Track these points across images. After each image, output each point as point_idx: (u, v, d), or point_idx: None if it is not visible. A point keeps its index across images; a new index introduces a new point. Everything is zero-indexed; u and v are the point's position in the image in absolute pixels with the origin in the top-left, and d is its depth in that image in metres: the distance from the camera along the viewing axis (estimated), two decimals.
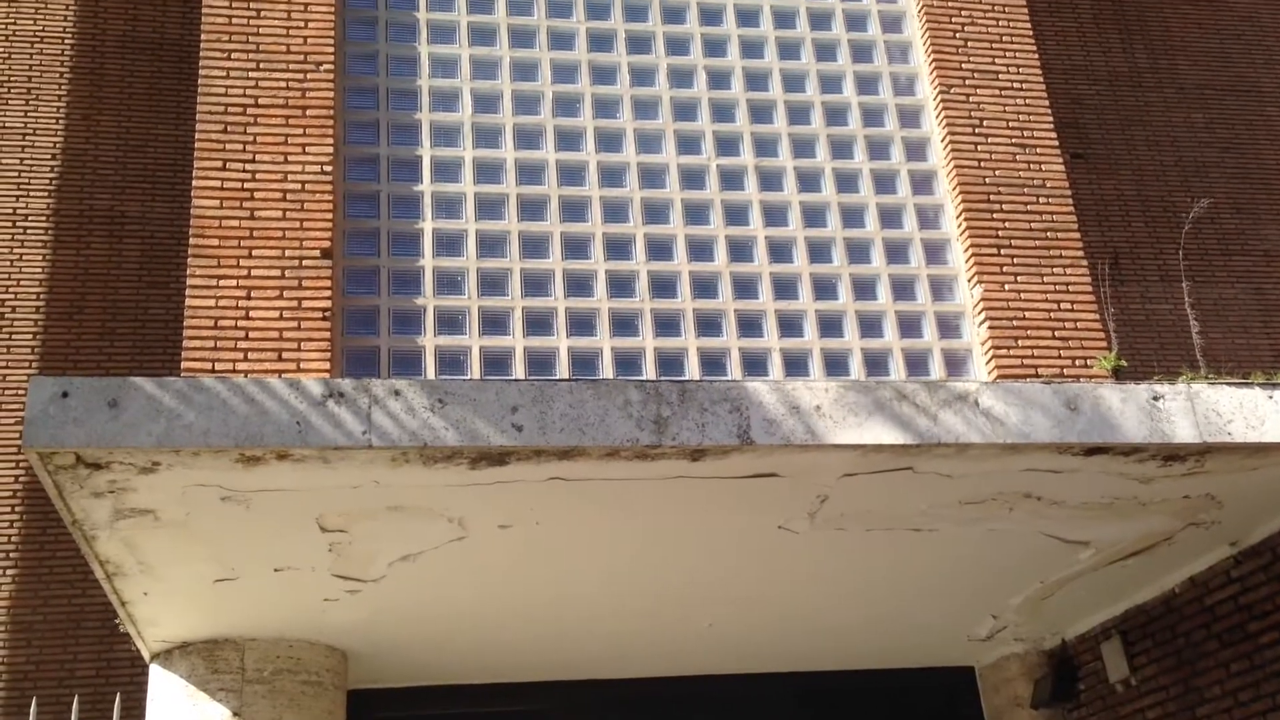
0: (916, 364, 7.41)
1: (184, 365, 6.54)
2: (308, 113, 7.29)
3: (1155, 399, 5.11)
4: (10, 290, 9.14)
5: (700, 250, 7.54)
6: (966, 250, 7.60)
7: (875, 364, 7.38)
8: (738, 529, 5.83)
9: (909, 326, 7.51)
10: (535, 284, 7.29)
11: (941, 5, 8.22)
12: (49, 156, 9.54)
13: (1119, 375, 6.81)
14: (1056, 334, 7.25)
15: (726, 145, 7.88)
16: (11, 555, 8.76)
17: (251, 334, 6.74)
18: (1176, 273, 10.73)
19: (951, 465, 5.20)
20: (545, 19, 8.02)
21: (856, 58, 8.26)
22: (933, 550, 6.20)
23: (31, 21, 9.77)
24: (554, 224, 7.45)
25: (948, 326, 7.53)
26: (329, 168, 7.18)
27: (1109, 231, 10.94)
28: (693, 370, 7.16)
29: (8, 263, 9.20)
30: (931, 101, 8.10)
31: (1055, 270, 7.46)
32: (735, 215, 7.68)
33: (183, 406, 4.57)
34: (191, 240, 6.83)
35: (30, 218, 9.34)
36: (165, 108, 9.92)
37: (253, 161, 7.11)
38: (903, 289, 7.61)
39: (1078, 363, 7.16)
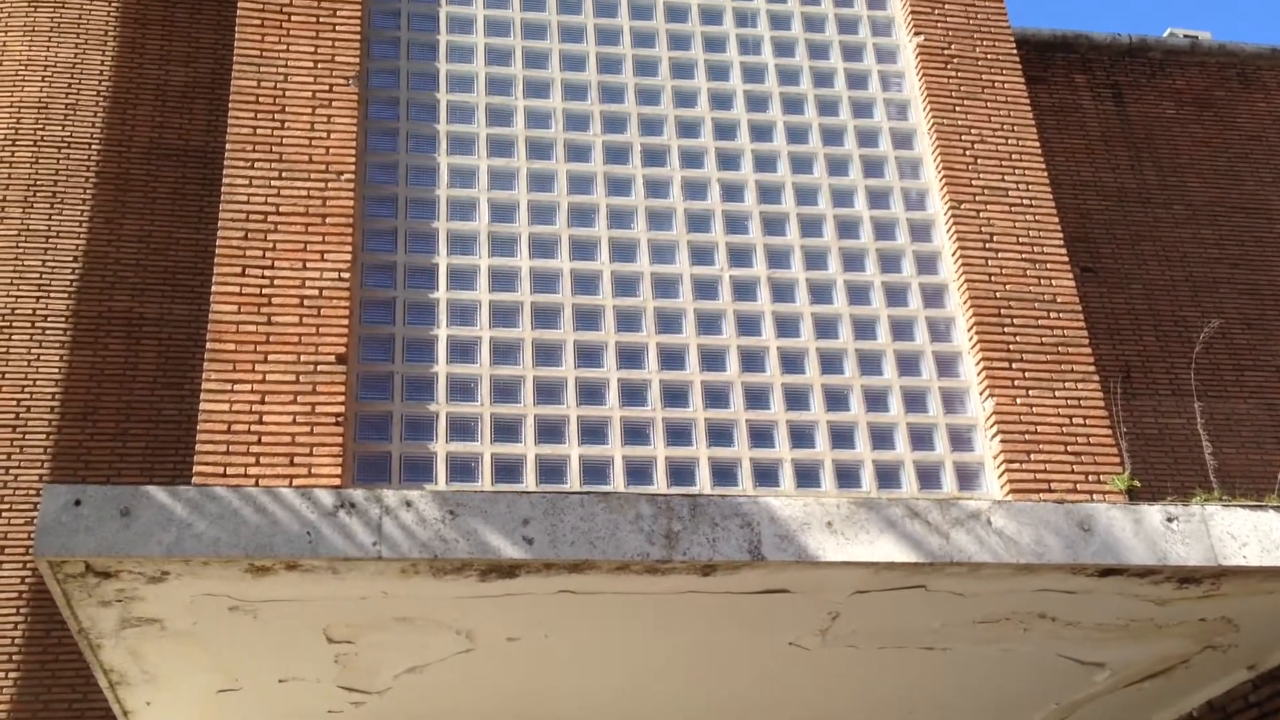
0: (928, 477, 7.38)
1: (196, 470, 6.55)
2: (327, 220, 7.41)
3: (1169, 520, 5.09)
4: (26, 390, 9.21)
5: (712, 360, 7.58)
6: (978, 363, 7.63)
7: (887, 476, 7.36)
8: (748, 645, 5.76)
9: (921, 439, 7.50)
10: (548, 391, 7.32)
11: (951, 123, 8.38)
12: (71, 259, 9.69)
13: (1133, 495, 6.77)
14: (1069, 449, 7.23)
15: (739, 256, 7.96)
16: (14, 658, 8.68)
17: (264, 439, 6.76)
18: (1189, 387, 10.74)
19: (964, 584, 5.16)
20: (562, 132, 8.18)
21: (868, 173, 8.39)
22: (946, 669, 6.11)
23: (60, 127, 10.01)
24: (567, 332, 7.51)
25: (959, 439, 7.51)
26: (347, 274, 7.27)
27: (1120, 345, 10.99)
28: (704, 480, 7.14)
29: (25, 363, 9.29)
30: (942, 216, 8.20)
31: (1067, 385, 7.47)
32: (747, 326, 7.73)
33: (194, 516, 4.58)
34: (209, 345, 6.89)
35: (49, 319, 9.46)
36: (187, 212, 10.10)
37: (272, 268, 7.21)
38: (914, 401, 7.62)
39: (1091, 478, 7.12)
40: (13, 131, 9.98)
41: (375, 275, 7.54)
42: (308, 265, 7.26)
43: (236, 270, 7.16)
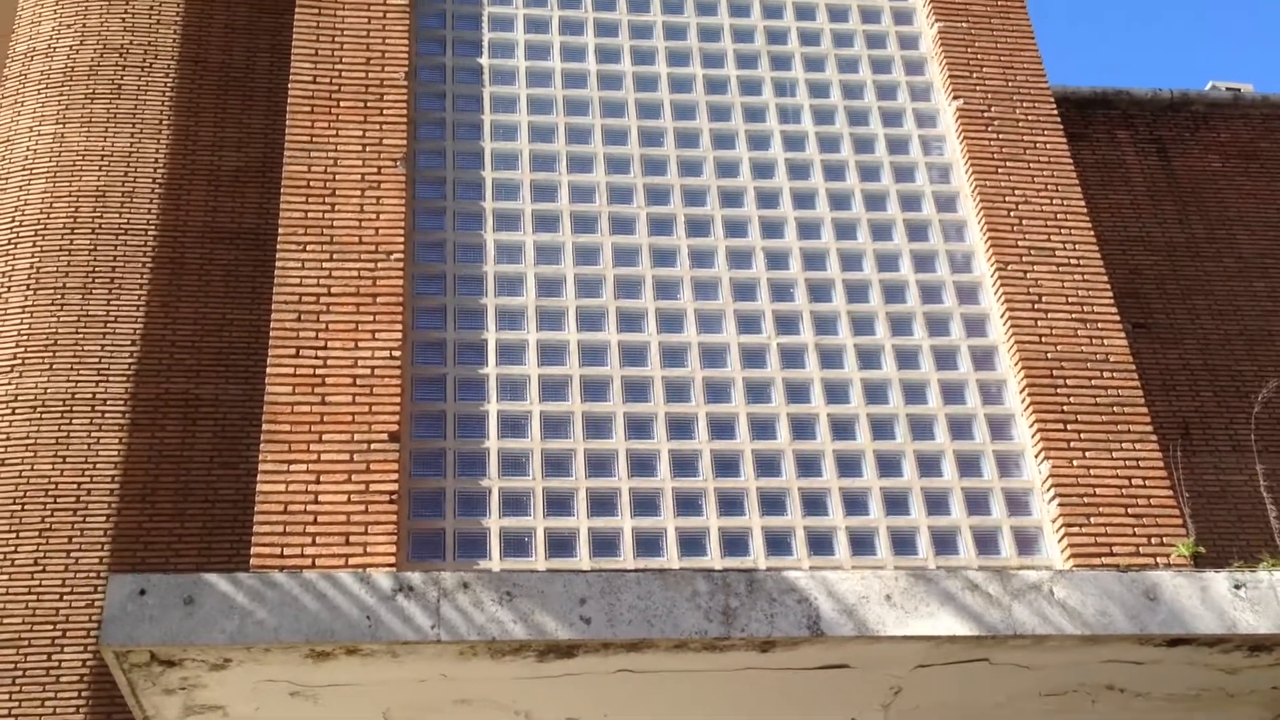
0: (986, 542, 7.28)
1: (254, 551, 6.60)
2: (378, 300, 7.52)
3: (1237, 587, 4.99)
4: (86, 474, 9.36)
5: (762, 428, 7.56)
6: (1032, 425, 7.56)
7: (944, 542, 7.27)
8: None
9: (976, 503, 7.41)
10: (599, 464, 7.33)
11: (995, 185, 8.38)
12: (129, 343, 9.89)
13: (1198, 561, 6.64)
14: (1129, 511, 7.12)
15: (786, 324, 7.97)
16: None
17: (320, 518, 6.81)
18: (1249, 443, 10.56)
19: (1029, 656, 5.08)
20: (606, 205, 8.27)
21: (912, 236, 8.40)
22: None
23: (117, 215, 10.28)
24: (617, 404, 7.54)
25: (1016, 503, 7.42)
26: (398, 353, 7.36)
27: (1176, 401, 10.85)
28: (758, 550, 7.09)
29: (85, 446, 9.45)
30: (989, 278, 8.18)
31: (1124, 445, 7.38)
32: (796, 393, 7.72)
33: (255, 603, 4.63)
34: (264, 427, 6.99)
35: (109, 402, 9.64)
36: (241, 293, 10.29)
37: (324, 348, 7.31)
38: (968, 465, 7.55)
39: (1154, 541, 7.00)
40: (71, 220, 10.24)
41: (426, 352, 7.62)
42: (359, 345, 7.36)
43: (290, 351, 7.27)
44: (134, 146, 10.60)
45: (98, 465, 9.44)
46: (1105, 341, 7.79)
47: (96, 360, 9.78)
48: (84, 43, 10.94)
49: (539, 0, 9.04)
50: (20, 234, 10.24)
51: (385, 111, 8.17)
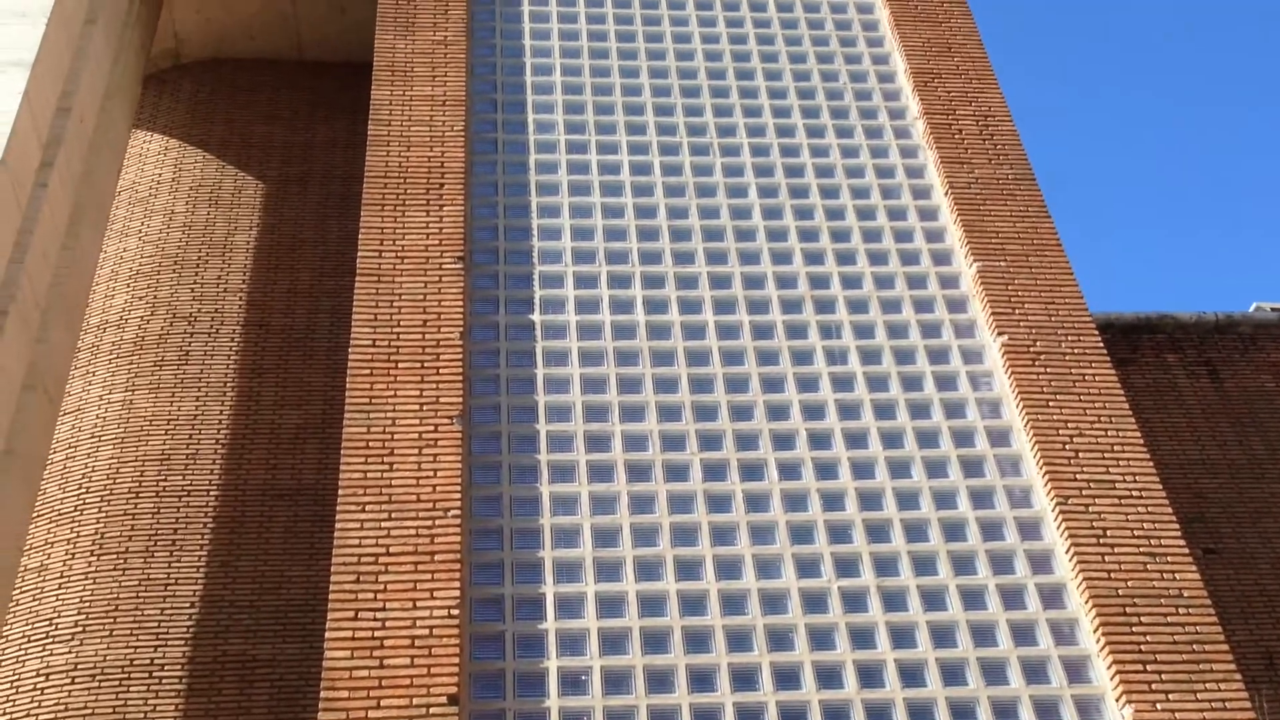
0: None
1: None
2: (436, 558, 7.53)
3: None
4: None
5: (829, 677, 7.35)
6: (1110, 667, 7.28)
7: None
8: None
9: None
10: None
11: (1047, 418, 8.37)
12: (188, 604, 9.93)
13: None
14: None
15: (846, 567, 7.86)
16: None
17: None
18: None
19: None
20: (660, 453, 8.33)
21: (968, 473, 8.34)
22: None
23: (180, 477, 10.51)
24: (678, 656, 7.39)
25: None
26: (456, 611, 7.31)
27: (1258, 629, 10.47)
28: None
29: (141, 715, 9.36)
30: (1050, 513, 8.06)
31: (1208, 686, 7.07)
32: (861, 638, 7.53)
33: None
34: (322, 694, 6.90)
35: (166, 667, 9.60)
36: (299, 549, 10.37)
37: (383, 610, 7.29)
38: (1047, 712, 7.24)
39: None
40: (137, 484, 10.48)
41: (484, 609, 7.56)
42: (418, 604, 7.33)
43: (349, 614, 7.25)
44: (199, 409, 10.94)
45: None
46: (1177, 575, 7.58)
47: (156, 625, 9.81)
48: (154, 313, 11.47)
49: (587, 258, 9.39)
50: (87, 500, 10.47)
51: (441, 370, 8.40)
